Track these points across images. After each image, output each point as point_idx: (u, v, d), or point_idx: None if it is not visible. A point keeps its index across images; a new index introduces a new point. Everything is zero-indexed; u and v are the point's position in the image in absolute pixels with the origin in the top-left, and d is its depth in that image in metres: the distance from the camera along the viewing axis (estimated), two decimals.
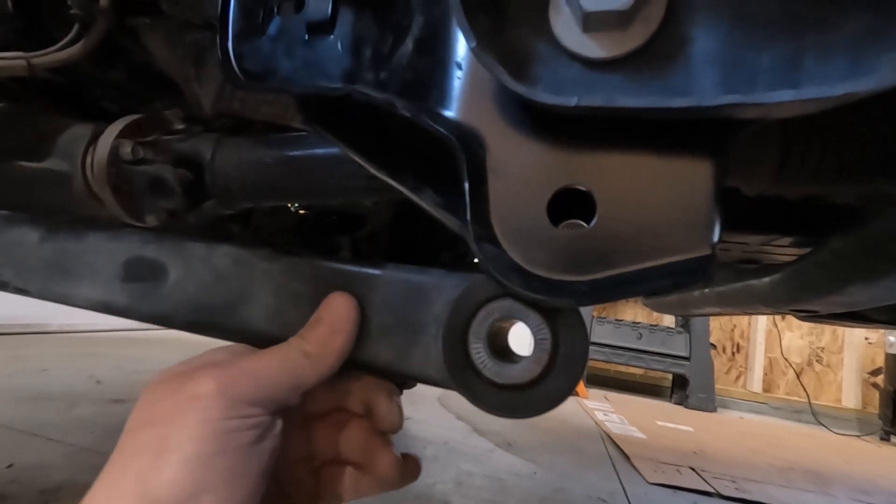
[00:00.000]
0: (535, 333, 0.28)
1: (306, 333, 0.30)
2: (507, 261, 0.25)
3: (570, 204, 0.25)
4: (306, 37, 0.40)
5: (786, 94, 0.19)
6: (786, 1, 0.21)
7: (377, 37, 0.36)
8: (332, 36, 0.40)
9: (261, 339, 0.33)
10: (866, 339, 3.51)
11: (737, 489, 1.50)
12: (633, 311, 3.86)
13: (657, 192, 0.24)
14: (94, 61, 0.70)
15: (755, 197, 0.45)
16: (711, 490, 1.46)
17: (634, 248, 0.24)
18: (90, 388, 1.64)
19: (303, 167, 0.69)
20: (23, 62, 0.58)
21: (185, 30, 0.72)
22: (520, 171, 0.25)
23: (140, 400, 0.29)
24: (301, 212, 0.97)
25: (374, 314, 0.31)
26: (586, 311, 3.42)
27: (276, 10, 0.42)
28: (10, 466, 0.98)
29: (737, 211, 0.64)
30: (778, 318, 3.50)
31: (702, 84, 0.22)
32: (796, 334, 3.69)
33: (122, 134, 0.69)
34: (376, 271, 0.32)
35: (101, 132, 0.68)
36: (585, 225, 0.25)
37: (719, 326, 3.79)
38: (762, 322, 3.69)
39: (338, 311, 0.30)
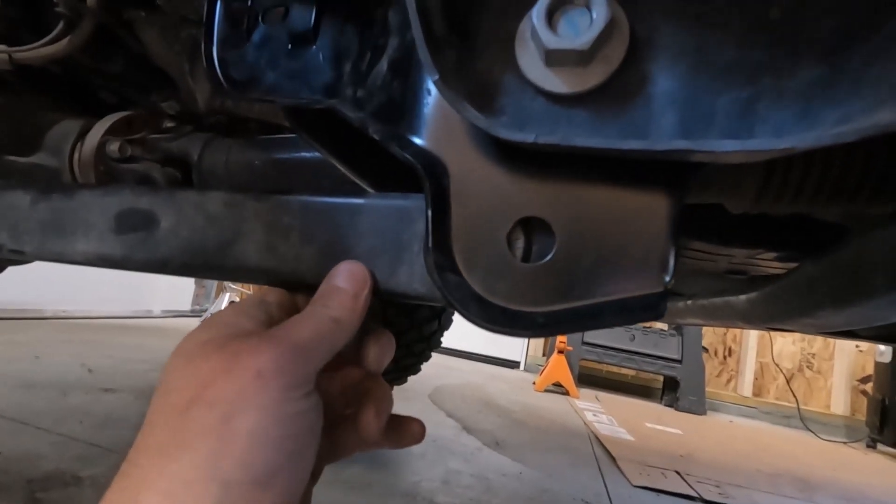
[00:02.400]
0: None
1: (329, 301, 0.30)
2: (468, 290, 0.25)
3: (529, 235, 0.25)
4: (289, 46, 0.40)
5: (731, 145, 0.19)
6: (744, 48, 0.21)
7: (356, 53, 0.36)
8: (314, 47, 0.40)
9: (255, 275, 0.34)
10: (857, 346, 3.53)
11: (720, 494, 1.52)
12: None
13: (614, 228, 0.24)
14: (89, 53, 0.70)
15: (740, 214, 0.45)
16: (695, 494, 1.48)
17: (590, 282, 0.24)
18: (82, 376, 1.64)
19: (289, 170, 0.69)
20: (4, 56, 0.58)
21: (180, 25, 0.72)
22: (482, 199, 0.25)
23: (179, 370, 0.27)
24: None
25: (361, 240, 0.31)
26: None
27: (260, 18, 0.43)
28: None
29: (722, 225, 0.64)
30: None
31: (659, 125, 0.22)
32: (788, 340, 3.71)
33: (111, 130, 0.69)
34: (360, 200, 0.32)
35: (90, 128, 0.69)
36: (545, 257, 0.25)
37: (712, 331, 3.81)
38: None
39: (356, 277, 0.31)
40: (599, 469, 1.62)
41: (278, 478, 0.25)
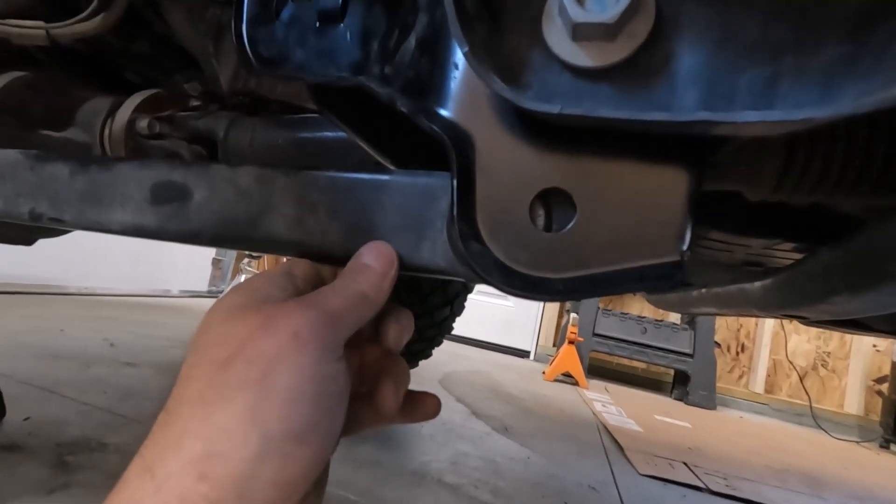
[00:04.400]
0: None
1: (358, 276, 0.31)
2: (491, 258, 0.26)
3: (551, 205, 0.26)
4: (318, 24, 0.41)
5: (751, 115, 0.20)
6: (768, 24, 0.22)
7: (384, 31, 0.37)
8: (342, 25, 0.41)
9: (283, 247, 0.36)
10: (874, 346, 3.47)
11: (727, 486, 1.52)
12: (640, 306, 3.86)
13: (634, 199, 0.25)
14: (117, 33, 0.71)
15: (759, 202, 0.46)
16: (702, 485, 1.49)
17: (609, 251, 0.25)
18: (104, 350, 1.70)
19: (313, 149, 0.70)
20: (42, 32, 0.60)
21: (207, 6, 0.73)
22: (506, 171, 0.26)
23: (218, 326, 0.28)
24: None
25: (386, 215, 0.32)
26: (592, 301, 3.43)
27: None
28: (26, 419, 1.03)
29: (740, 213, 0.64)
30: (786, 321, 3.47)
31: (681, 100, 0.23)
32: (803, 338, 3.67)
33: (140, 108, 0.71)
34: (386, 177, 0.33)
35: (120, 105, 0.71)
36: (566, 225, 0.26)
37: (725, 326, 3.78)
38: (769, 324, 3.67)
39: (385, 257, 0.32)
40: (607, 457, 1.63)
41: (314, 434, 0.26)
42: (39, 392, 1.21)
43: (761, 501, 1.46)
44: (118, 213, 0.41)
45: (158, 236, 0.40)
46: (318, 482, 0.30)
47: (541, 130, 0.26)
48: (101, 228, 0.43)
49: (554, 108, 0.23)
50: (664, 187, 0.25)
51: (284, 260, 0.38)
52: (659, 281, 0.24)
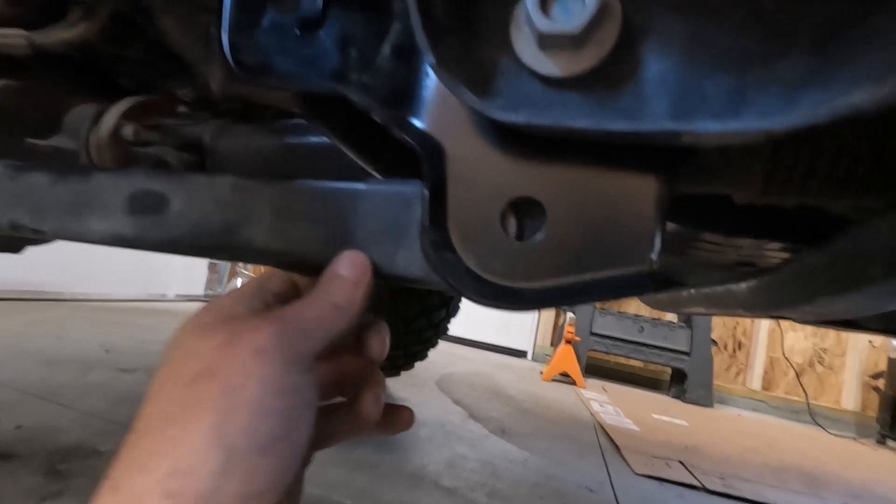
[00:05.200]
0: None
1: (331, 288, 0.32)
2: (462, 268, 0.26)
3: (525, 215, 0.26)
4: (298, 32, 0.41)
5: (714, 126, 0.20)
6: (736, 34, 0.22)
7: (362, 38, 0.37)
8: (321, 32, 0.41)
9: (261, 257, 0.36)
10: (870, 342, 3.48)
11: (724, 485, 1.53)
12: (637, 305, 3.86)
13: (604, 209, 0.25)
14: (108, 39, 0.71)
15: (748, 203, 0.46)
16: (698, 484, 1.49)
17: (580, 260, 0.25)
18: (101, 356, 1.69)
19: (300, 155, 0.70)
20: (23, 40, 0.60)
21: (197, 12, 0.73)
22: (477, 180, 0.26)
23: (185, 345, 0.29)
24: None
25: (362, 223, 0.33)
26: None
27: (270, 3, 0.44)
28: (18, 428, 1.03)
29: (729, 215, 0.64)
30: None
31: (648, 109, 0.23)
32: (800, 335, 3.67)
33: (127, 115, 0.71)
34: (361, 186, 0.33)
35: (105, 112, 0.70)
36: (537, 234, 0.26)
37: (722, 324, 3.78)
38: (765, 321, 3.68)
39: (358, 266, 0.32)
40: (604, 458, 1.63)
41: (278, 446, 0.26)
42: (34, 399, 1.21)
43: (759, 500, 1.46)
44: (97, 222, 0.41)
45: (138, 245, 0.40)
46: (291, 494, 0.30)
47: (512, 139, 0.26)
48: (81, 238, 0.43)
49: (520, 119, 0.23)
50: (634, 196, 0.25)
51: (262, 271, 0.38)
52: (630, 289, 0.24)
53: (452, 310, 1.62)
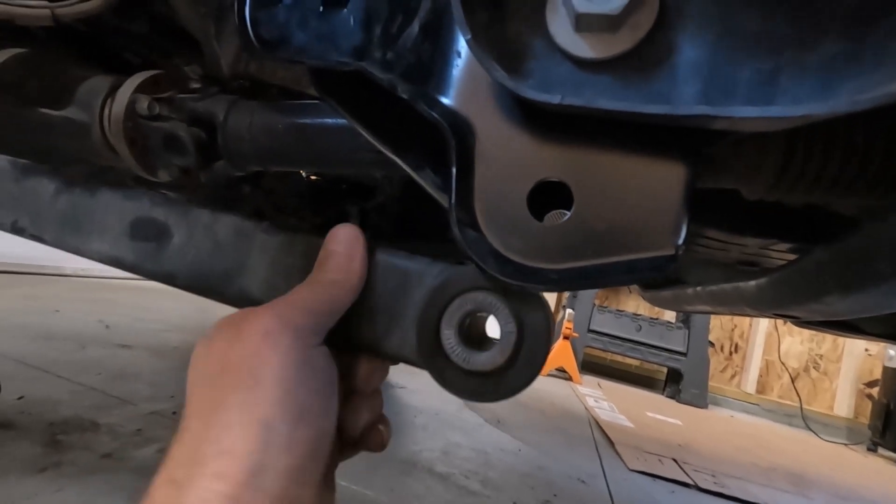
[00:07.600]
0: (502, 326, 0.30)
1: (325, 264, 0.33)
2: (486, 246, 0.27)
3: (549, 196, 0.26)
4: (321, 9, 0.41)
5: (750, 111, 0.20)
6: (769, 19, 0.22)
7: (387, 16, 0.37)
8: (345, 10, 0.40)
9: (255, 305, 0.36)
10: (866, 350, 3.50)
11: (715, 483, 1.54)
12: (635, 303, 3.87)
13: (631, 192, 0.25)
14: (117, 13, 0.71)
15: (755, 201, 0.46)
16: (690, 482, 1.50)
17: (604, 243, 0.25)
18: (99, 331, 1.70)
19: (312, 136, 0.70)
20: (47, 12, 0.59)
21: None
22: (505, 160, 0.26)
23: (203, 351, 0.30)
24: (313, 178, 0.98)
25: (361, 296, 0.33)
26: (588, 298, 3.44)
27: None
28: (20, 398, 1.03)
29: (737, 213, 0.64)
30: (779, 322, 3.50)
31: (682, 93, 0.23)
32: (796, 340, 3.69)
33: (140, 88, 0.70)
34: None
35: (120, 85, 0.70)
36: (565, 215, 0.26)
37: (720, 325, 3.80)
38: (763, 325, 3.69)
39: (348, 239, 0.33)
40: (597, 452, 1.65)
41: (309, 414, 0.28)
42: (33, 371, 1.21)
43: (748, 499, 1.48)
44: (97, 242, 0.42)
45: (134, 271, 0.41)
46: (327, 483, 0.32)
47: (541, 120, 0.26)
48: (80, 254, 0.44)
49: (554, 98, 0.23)
50: (661, 180, 0.25)
51: None
52: (651, 273, 0.24)
53: None
